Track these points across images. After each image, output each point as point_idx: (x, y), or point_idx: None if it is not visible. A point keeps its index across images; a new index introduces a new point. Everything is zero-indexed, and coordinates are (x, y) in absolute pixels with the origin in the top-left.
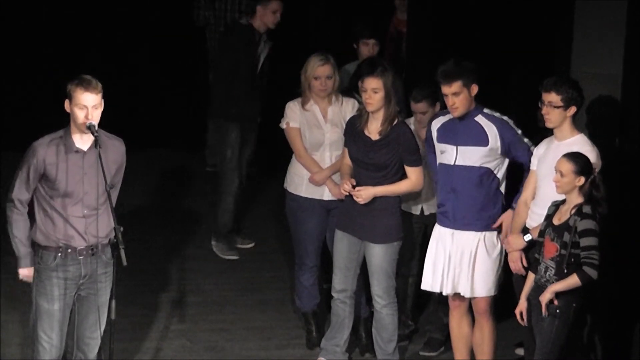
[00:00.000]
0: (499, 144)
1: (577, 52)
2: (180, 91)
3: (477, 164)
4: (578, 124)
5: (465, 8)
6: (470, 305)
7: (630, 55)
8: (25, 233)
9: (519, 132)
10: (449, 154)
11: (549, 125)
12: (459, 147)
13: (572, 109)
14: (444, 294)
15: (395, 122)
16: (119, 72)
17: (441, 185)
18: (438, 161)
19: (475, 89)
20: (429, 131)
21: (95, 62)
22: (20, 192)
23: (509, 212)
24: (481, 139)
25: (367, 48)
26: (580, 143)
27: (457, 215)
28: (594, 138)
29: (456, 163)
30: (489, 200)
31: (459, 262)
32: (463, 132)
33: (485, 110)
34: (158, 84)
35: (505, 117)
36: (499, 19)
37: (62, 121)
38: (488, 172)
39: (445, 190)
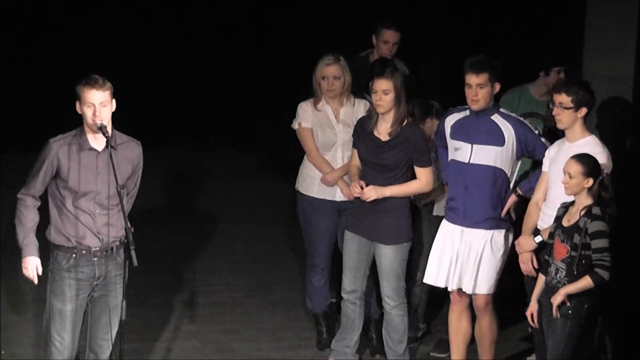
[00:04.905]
0: (515, 144)
1: (589, 54)
2: (190, 90)
3: (491, 163)
4: (589, 126)
5: (475, 10)
6: (471, 301)
7: None
8: (33, 225)
9: (536, 131)
10: (463, 152)
11: (559, 126)
12: (474, 145)
13: (583, 110)
14: (449, 289)
15: (405, 123)
16: (128, 71)
17: (453, 182)
18: (450, 157)
19: (497, 87)
20: (441, 126)
21: (103, 63)
22: (34, 186)
23: (512, 196)
24: (497, 138)
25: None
26: (591, 144)
27: (467, 213)
28: (604, 140)
29: (471, 161)
30: (500, 200)
31: (466, 259)
32: (479, 130)
33: (502, 110)
34: (167, 83)
35: (521, 118)
36: (509, 21)
37: (66, 120)
38: (502, 173)
39: (457, 187)
